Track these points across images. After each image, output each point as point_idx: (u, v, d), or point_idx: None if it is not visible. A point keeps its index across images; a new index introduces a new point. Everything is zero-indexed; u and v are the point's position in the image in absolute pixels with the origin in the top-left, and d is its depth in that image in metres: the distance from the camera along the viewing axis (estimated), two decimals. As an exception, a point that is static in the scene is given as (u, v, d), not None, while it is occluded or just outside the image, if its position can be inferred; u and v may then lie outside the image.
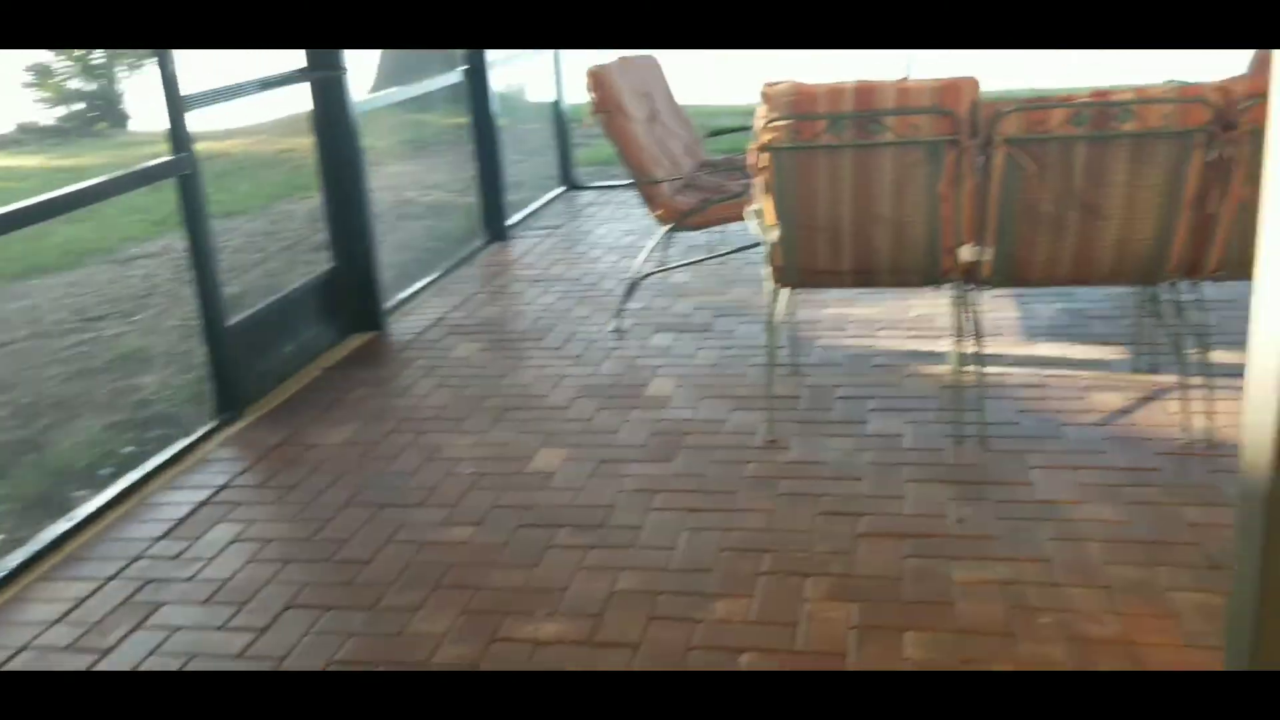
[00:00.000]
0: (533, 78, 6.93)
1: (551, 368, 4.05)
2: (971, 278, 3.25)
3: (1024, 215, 3.08)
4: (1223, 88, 2.90)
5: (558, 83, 6.82)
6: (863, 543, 2.75)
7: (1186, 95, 2.89)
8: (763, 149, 3.09)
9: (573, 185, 6.98)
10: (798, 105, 3.02)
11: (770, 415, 3.45)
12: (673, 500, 3.02)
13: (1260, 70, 4.76)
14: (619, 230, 5.90)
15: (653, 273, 4.87)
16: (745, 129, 5.26)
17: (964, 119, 2.97)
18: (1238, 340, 3.73)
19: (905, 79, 3.03)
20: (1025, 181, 3.02)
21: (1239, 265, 3.11)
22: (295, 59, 4.27)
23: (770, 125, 3.05)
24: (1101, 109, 2.91)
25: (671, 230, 4.33)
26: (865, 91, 3.00)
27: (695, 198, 4.33)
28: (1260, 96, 2.84)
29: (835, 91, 3.01)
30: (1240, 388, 3.68)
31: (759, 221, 3.30)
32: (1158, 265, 3.13)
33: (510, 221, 6.05)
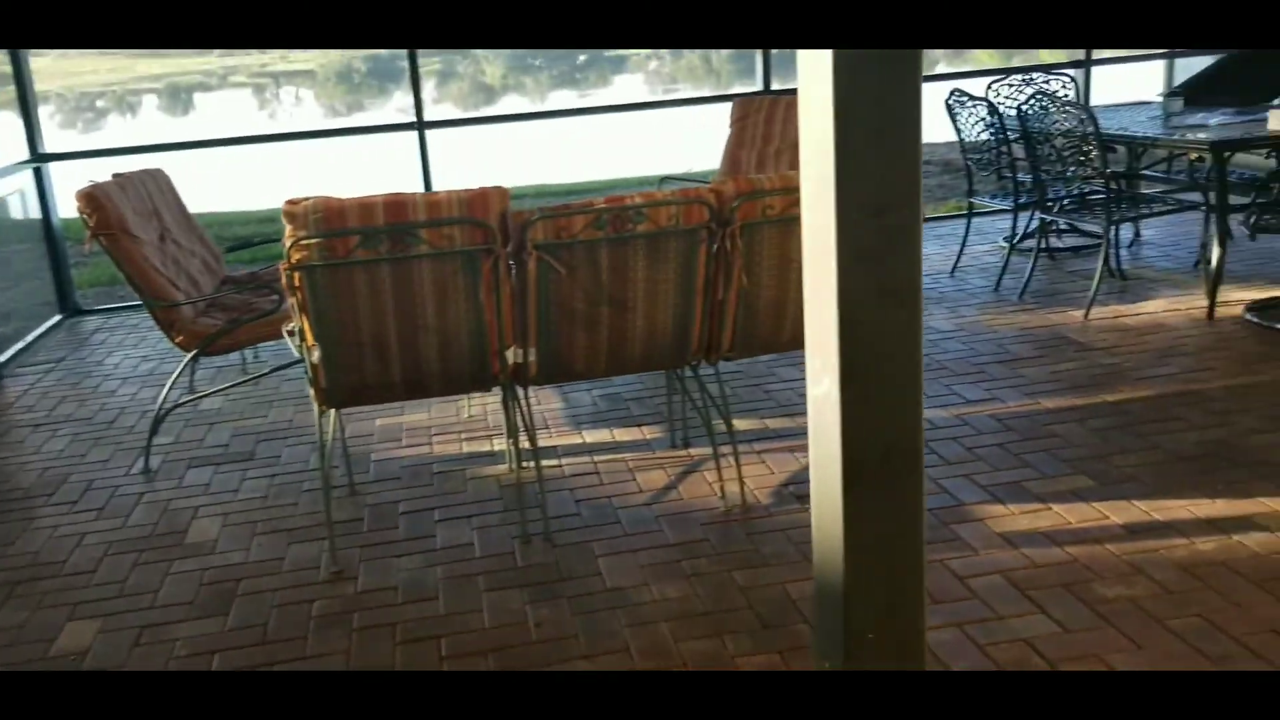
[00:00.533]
0: (13, 194, 6.18)
1: (69, 526, 3.55)
2: (520, 378, 3.33)
3: (561, 315, 3.21)
4: (715, 189, 3.22)
5: (44, 198, 6.13)
6: (448, 666, 2.66)
7: (687, 197, 3.18)
8: (294, 268, 2.95)
9: (74, 311, 6.28)
10: (327, 222, 2.93)
11: (332, 544, 3.27)
12: (234, 659, 2.74)
13: (732, 169, 5.39)
14: (135, 358, 5.38)
15: (181, 402, 4.48)
16: (270, 240, 5.05)
17: (496, 228, 3.04)
18: (753, 409, 4.17)
19: (434, 191, 3.05)
20: (559, 283, 3.15)
21: (747, 344, 3.46)
22: None
23: (299, 244, 2.93)
24: (618, 213, 3.12)
25: (198, 355, 4.01)
26: (395, 205, 2.97)
27: (221, 318, 4.05)
28: (746, 195, 3.19)
29: (365, 206, 2.95)
30: (760, 451, 4.04)
31: (298, 342, 3.14)
32: (682, 349, 3.40)
33: (0, 359, 5.30)
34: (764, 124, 5.33)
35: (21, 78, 6.00)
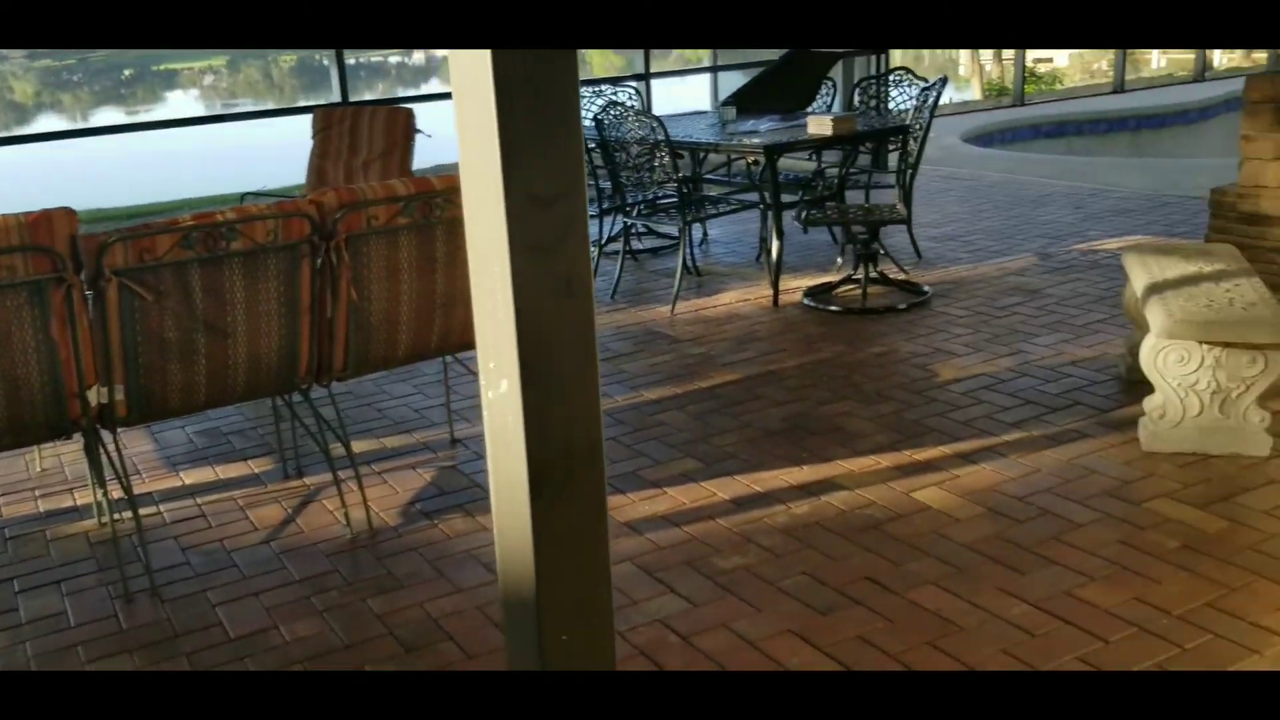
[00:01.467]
0: None
1: None
2: (106, 420, 2.99)
3: (151, 346, 2.92)
4: (316, 201, 3.08)
5: None
6: (52, 753, 2.33)
7: (286, 210, 3.02)
8: None
9: None
10: None
11: (-119, 637, 2.76)
12: None
13: (319, 182, 5.21)
14: None
15: None
16: None
17: (65, 254, 2.71)
18: (367, 429, 4.04)
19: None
20: (145, 311, 2.87)
21: (361, 363, 3.34)
22: None
23: None
24: (208, 230, 2.89)
25: None
26: (-66, 234, 2.56)
27: None
28: (350, 206, 3.09)
29: (-106, 237, 2.52)
30: (381, 472, 3.93)
31: None
32: (289, 374, 3.22)
33: None
34: (349, 135, 5.19)
35: None
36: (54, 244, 2.70)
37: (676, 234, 5.77)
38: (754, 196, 6.02)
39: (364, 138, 5.13)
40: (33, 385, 2.79)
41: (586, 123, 5.96)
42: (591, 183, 5.92)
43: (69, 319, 2.77)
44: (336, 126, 5.22)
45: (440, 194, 3.22)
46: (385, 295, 3.25)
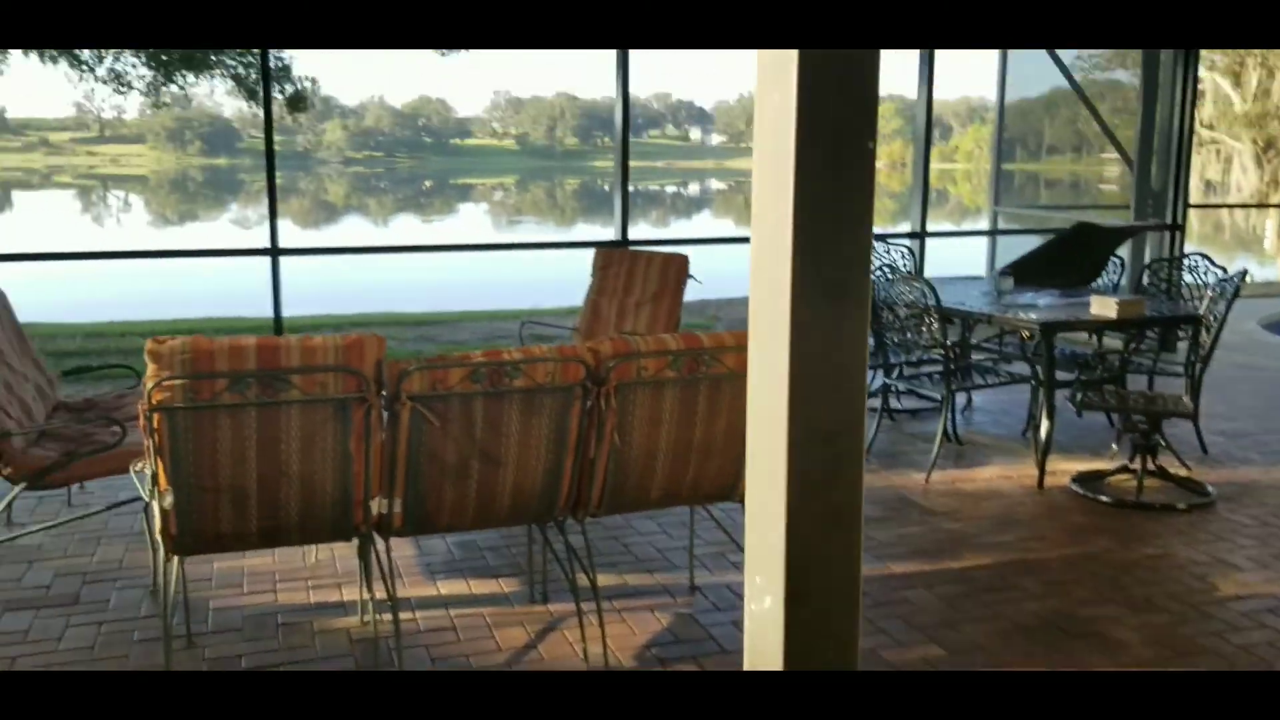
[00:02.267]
0: None
1: None
2: (382, 529, 3.22)
3: (431, 466, 3.14)
4: (593, 349, 3.26)
5: None
6: None
7: (565, 355, 3.20)
8: (154, 409, 2.81)
9: None
10: (195, 364, 2.81)
11: (166, 704, 3.03)
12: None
13: (594, 316, 5.47)
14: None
15: (-5, 535, 4.13)
16: (111, 366, 4.81)
17: (370, 376, 2.98)
18: (611, 563, 4.13)
19: (310, 336, 2.98)
20: (431, 434, 3.09)
21: (616, 503, 3.45)
22: None
23: (163, 384, 2.79)
24: (495, 367, 3.10)
25: (26, 488, 3.73)
26: (268, 349, 2.89)
27: (56, 450, 3.79)
28: (623, 357, 3.24)
29: (236, 348, 2.85)
30: (620, 610, 3.96)
31: (150, 486, 2.97)
32: (550, 505, 3.37)
33: None
34: (625, 275, 5.45)
35: None
36: (363, 367, 2.97)
37: (939, 399, 5.66)
38: (1025, 369, 5.83)
39: (639, 280, 5.38)
40: (326, 491, 3.05)
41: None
42: (856, 340, 5.91)
43: (365, 435, 3.03)
44: (615, 267, 5.50)
45: (707, 351, 3.33)
46: (645, 442, 3.36)
